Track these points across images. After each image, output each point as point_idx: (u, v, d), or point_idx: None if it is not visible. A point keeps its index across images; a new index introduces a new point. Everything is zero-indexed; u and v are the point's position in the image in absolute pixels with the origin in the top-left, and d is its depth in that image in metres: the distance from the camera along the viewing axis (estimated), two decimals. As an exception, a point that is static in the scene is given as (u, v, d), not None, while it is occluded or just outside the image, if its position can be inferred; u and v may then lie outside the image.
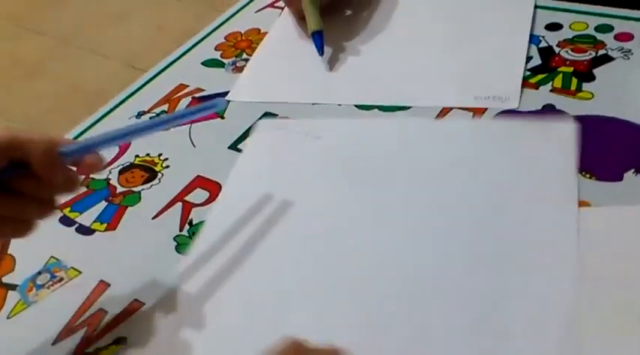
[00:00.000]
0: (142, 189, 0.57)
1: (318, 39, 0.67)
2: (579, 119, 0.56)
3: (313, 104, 0.63)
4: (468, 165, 0.53)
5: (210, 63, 0.72)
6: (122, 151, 0.62)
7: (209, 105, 0.47)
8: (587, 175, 0.51)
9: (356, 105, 0.62)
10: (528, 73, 0.62)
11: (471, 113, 0.59)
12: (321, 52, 0.67)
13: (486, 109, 0.59)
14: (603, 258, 0.46)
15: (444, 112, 0.59)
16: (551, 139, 0.52)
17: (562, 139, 0.52)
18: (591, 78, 0.60)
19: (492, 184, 0.52)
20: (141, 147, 0.62)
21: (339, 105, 0.63)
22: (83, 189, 0.58)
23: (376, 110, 0.61)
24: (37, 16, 2.18)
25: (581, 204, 0.49)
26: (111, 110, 0.68)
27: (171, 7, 2.08)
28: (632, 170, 0.51)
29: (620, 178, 0.51)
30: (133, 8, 2.11)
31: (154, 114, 0.66)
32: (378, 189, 0.53)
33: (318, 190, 0.54)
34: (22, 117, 1.79)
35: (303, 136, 0.60)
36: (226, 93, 0.66)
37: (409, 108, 0.61)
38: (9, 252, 0.50)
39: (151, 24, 2.02)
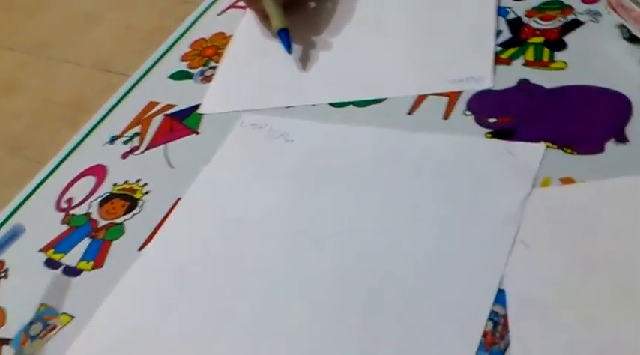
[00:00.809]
0: (125, 220, 0.57)
1: (285, 37, 0.66)
2: (555, 91, 0.55)
3: (287, 107, 0.62)
4: (438, 180, 0.52)
5: (177, 75, 0.70)
6: (99, 181, 0.61)
7: (9, 235, 0.53)
8: (568, 150, 0.51)
9: (330, 104, 0.61)
10: (499, 48, 0.60)
11: (447, 98, 0.58)
12: (289, 50, 0.66)
13: (461, 92, 0.58)
14: (593, 235, 0.45)
15: (419, 101, 0.58)
16: (513, 162, 0.51)
17: (522, 163, 0.50)
18: (562, 46, 0.59)
19: (453, 200, 0.50)
20: (118, 175, 0.61)
21: (313, 105, 0.62)
22: (65, 227, 0.57)
23: (351, 106, 0.60)
24: (5, 31, 2.14)
25: (565, 181, 0.49)
26: (84, 137, 0.67)
27: (137, 4, 2.04)
28: (613, 139, 0.50)
29: (601, 149, 0.50)
30: (98, 10, 2.07)
31: (127, 138, 0.65)
32: (341, 197, 0.53)
33: (275, 200, 0.54)
34: (3, 137, 1.78)
35: (277, 138, 0.59)
36: (197, 106, 0.65)
37: (384, 100, 0.60)
38: (-1, 304, 0.49)
39: (118, 25, 1.99)
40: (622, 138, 0.50)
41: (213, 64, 0.70)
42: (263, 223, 0.53)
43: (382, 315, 0.45)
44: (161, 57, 0.73)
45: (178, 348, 0.47)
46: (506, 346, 0.41)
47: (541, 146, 0.51)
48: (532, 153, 0.51)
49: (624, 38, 0.56)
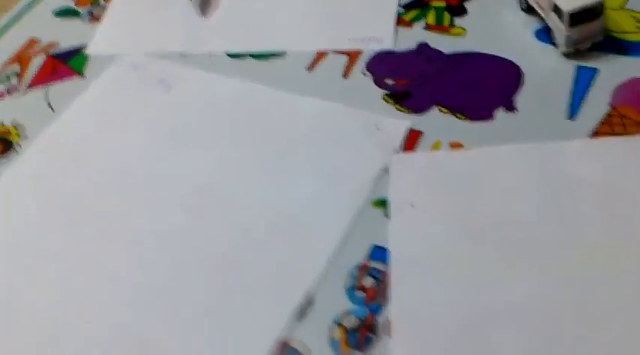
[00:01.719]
0: (-3, 165, 0.53)
1: (184, -21, 0.62)
2: (452, 57, 0.56)
3: (181, 55, 0.59)
4: (305, 145, 0.51)
5: (63, 12, 0.65)
6: (-30, 122, 0.56)
7: None
8: (460, 116, 0.51)
9: (228, 54, 0.59)
10: (402, 9, 0.60)
11: (347, 57, 0.57)
12: (189, -7, 0.62)
13: (361, 52, 0.57)
14: (478, 199, 0.46)
15: (319, 57, 0.57)
16: (378, 136, 0.51)
17: (386, 137, 0.51)
18: (463, 11, 0.59)
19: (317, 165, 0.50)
20: (-10, 115, 0.56)
21: (210, 54, 0.59)
22: None
23: (249, 58, 0.58)
24: None
25: (454, 145, 0.49)
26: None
27: None
28: (503, 108, 0.52)
29: (491, 117, 0.51)
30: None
31: (4, 77, 0.59)
32: (204, 152, 0.51)
33: (136, 149, 0.52)
34: None
35: (155, 83, 0.56)
36: (83, 47, 0.61)
37: (284, 54, 0.58)
38: None
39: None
40: (511, 107, 0.51)
41: (103, 2, 0.65)
42: (120, 172, 0.50)
43: (229, 268, 0.45)
44: (46, -8, 0.68)
45: (28, 306, 0.44)
46: (386, 302, 0.42)
47: (404, 124, 0.51)
48: (396, 130, 0.51)
49: (522, 9, 0.57)
